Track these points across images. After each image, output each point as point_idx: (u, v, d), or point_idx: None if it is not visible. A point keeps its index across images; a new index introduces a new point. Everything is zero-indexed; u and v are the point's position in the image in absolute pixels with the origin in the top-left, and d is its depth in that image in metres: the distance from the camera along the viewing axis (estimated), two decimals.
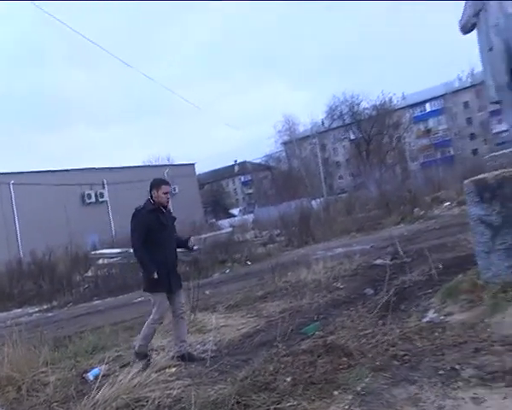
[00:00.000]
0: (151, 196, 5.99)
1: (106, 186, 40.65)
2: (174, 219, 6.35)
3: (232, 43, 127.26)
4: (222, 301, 9.43)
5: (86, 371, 6.06)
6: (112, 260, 18.54)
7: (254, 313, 8.07)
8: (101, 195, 40.32)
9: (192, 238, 6.39)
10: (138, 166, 49.34)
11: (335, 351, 4.81)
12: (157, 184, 6.04)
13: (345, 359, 4.63)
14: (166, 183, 6.21)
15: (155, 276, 5.77)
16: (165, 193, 6.03)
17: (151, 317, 5.96)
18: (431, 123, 78.98)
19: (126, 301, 13.42)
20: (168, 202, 6.14)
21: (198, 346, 6.61)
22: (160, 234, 5.90)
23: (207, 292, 10.64)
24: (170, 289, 5.97)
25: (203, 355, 6.04)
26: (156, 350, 6.50)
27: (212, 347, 6.32)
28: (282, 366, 4.73)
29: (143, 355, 5.97)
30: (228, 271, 16.31)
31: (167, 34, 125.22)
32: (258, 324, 7.37)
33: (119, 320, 9.60)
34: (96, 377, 5.38)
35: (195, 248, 6.32)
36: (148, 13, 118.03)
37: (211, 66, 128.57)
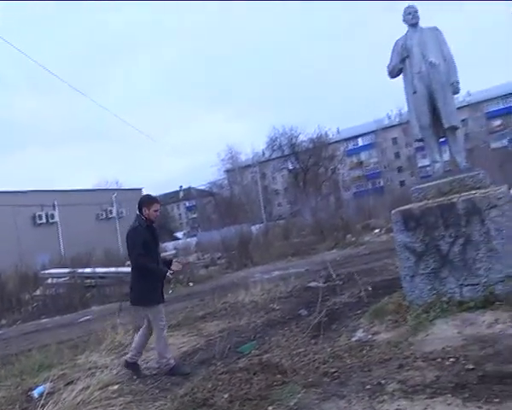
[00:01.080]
0: (141, 214, 6.02)
1: (56, 208, 39.64)
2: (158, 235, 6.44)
3: (180, 73, 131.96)
4: None
5: (31, 389, 5.99)
6: (60, 279, 18.28)
7: (195, 333, 8.12)
8: (52, 216, 39.24)
9: (175, 263, 6.37)
10: (88, 190, 48.67)
11: (270, 369, 5.00)
12: (148, 202, 6.11)
13: (279, 376, 4.82)
14: (157, 200, 6.28)
15: (170, 273, 5.91)
16: (156, 210, 6.10)
17: (155, 329, 5.97)
18: (363, 156, 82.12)
19: (73, 320, 13.36)
20: (157, 218, 6.20)
21: (140, 364, 6.63)
22: (153, 249, 6.00)
23: None
24: (162, 300, 6.08)
25: (130, 357, 6.11)
26: (100, 368, 6.48)
27: (154, 365, 6.34)
28: (220, 383, 4.90)
29: (176, 368, 5.94)
30: (171, 292, 16.14)
31: (120, 63, 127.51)
32: (198, 342, 7.45)
33: (65, 339, 9.53)
34: (41, 395, 5.37)
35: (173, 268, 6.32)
36: (102, 44, 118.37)
37: (160, 95, 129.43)
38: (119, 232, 42.63)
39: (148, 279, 5.85)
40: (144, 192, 55.15)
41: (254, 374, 4.95)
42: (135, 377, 5.95)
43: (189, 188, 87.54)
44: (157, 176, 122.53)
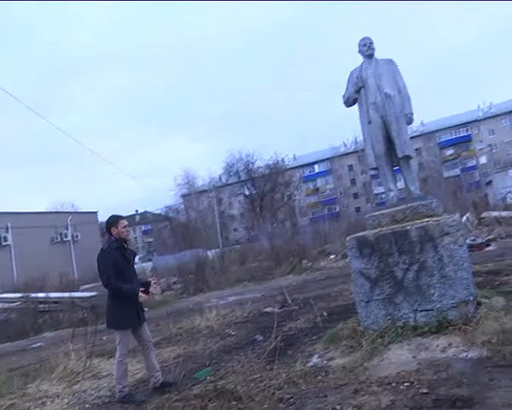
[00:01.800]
0: (111, 234, 5.92)
1: (10, 230, 38.52)
2: (134, 254, 6.33)
3: (137, 96, 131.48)
4: None
5: None
6: (12, 304, 17.89)
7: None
8: (5, 239, 38.15)
9: (153, 284, 6.30)
10: (42, 212, 47.52)
11: (225, 395, 4.94)
12: (115, 220, 6.01)
13: (234, 403, 4.76)
14: (122, 217, 6.18)
15: (140, 292, 5.78)
16: (124, 227, 6.01)
17: (118, 354, 5.83)
18: (319, 182, 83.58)
19: (24, 346, 12.94)
20: (128, 236, 6.11)
21: (92, 392, 6.47)
22: (126, 270, 5.86)
23: (104, 338, 10.37)
24: (138, 322, 5.92)
25: (154, 381, 5.99)
26: (51, 397, 6.28)
27: (107, 392, 6.20)
28: None
29: (129, 396, 5.78)
30: None
31: (77, 86, 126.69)
32: None
33: (15, 366, 9.22)
34: None
35: (151, 290, 6.22)
36: (59, 65, 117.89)
37: (116, 118, 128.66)
38: (74, 256, 41.82)
39: (119, 302, 5.76)
40: (99, 215, 54.88)
41: (209, 401, 4.90)
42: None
43: (145, 212, 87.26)
44: (113, 199, 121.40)
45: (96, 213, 53.72)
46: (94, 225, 50.61)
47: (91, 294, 18.43)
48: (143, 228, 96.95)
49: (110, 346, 9.43)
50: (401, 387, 4.40)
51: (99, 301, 16.83)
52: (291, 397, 4.71)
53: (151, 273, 21.44)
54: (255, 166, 68.83)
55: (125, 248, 6.02)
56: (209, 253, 32.42)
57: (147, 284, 6.21)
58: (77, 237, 43.68)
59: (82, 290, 20.97)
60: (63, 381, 6.80)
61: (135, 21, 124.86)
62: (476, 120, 75.07)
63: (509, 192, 37.63)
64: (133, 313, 5.86)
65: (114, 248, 5.85)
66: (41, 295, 18.34)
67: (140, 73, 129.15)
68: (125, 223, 6.09)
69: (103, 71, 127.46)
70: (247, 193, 71.90)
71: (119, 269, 5.76)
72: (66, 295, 18.14)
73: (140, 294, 5.83)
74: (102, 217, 62.08)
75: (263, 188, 67.56)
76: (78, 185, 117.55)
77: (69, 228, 44.13)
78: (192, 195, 70.94)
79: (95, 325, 8.92)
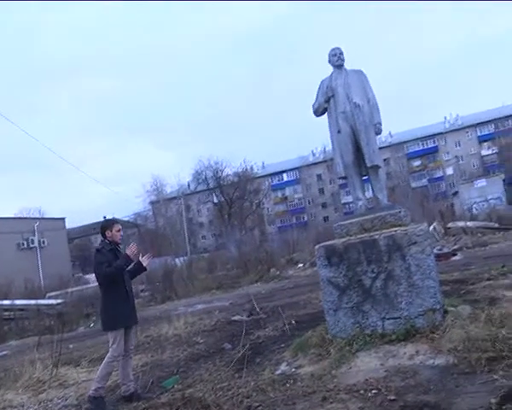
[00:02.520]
0: (105, 238, 5.98)
1: None
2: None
3: (106, 104, 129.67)
4: (85, 354, 9.13)
5: None
6: None
7: (117, 367, 7.80)
8: None
9: (142, 259, 6.26)
10: (9, 218, 46.73)
11: (193, 404, 4.90)
12: (109, 224, 6.10)
13: None
14: (117, 221, 6.26)
15: (133, 257, 5.80)
16: (118, 230, 6.05)
17: (109, 354, 5.82)
18: (288, 191, 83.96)
19: None
20: (121, 238, 6.13)
21: (59, 401, 6.34)
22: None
23: (71, 346, 10.26)
24: (132, 322, 6.01)
25: (148, 395, 5.91)
26: (15, 407, 6.15)
27: (74, 401, 6.10)
28: None
29: (100, 399, 5.73)
30: (92, 325, 15.76)
31: (45, 91, 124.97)
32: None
33: None
34: None
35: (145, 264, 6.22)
36: (28, 70, 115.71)
37: (86, 125, 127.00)
38: (41, 263, 41.08)
39: (114, 300, 5.82)
40: (67, 222, 54.32)
41: (177, 409, 4.85)
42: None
43: (113, 219, 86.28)
44: (81, 205, 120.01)
45: (63, 219, 53.27)
46: (61, 231, 50.10)
47: (58, 301, 18.15)
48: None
49: (77, 354, 9.32)
50: (369, 394, 4.43)
51: (65, 309, 16.66)
52: (259, 405, 4.69)
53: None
54: (224, 173, 68.92)
55: (119, 250, 6.08)
56: (177, 260, 32.25)
57: (138, 265, 6.25)
58: (44, 243, 43.08)
59: (48, 298, 20.56)
60: (29, 390, 6.66)
61: (104, 27, 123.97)
62: (443, 132, 76.61)
63: (474, 203, 38.45)
64: (128, 310, 5.93)
65: (108, 250, 5.92)
66: (6, 302, 17.97)
67: (109, 79, 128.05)
68: (119, 227, 6.15)
69: (72, 77, 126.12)
70: (215, 200, 71.86)
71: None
72: (33, 302, 17.87)
73: (131, 247, 5.88)
74: (70, 223, 61.64)
75: (231, 195, 67.64)
76: (45, 191, 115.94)
77: (36, 234, 43.48)
78: (160, 202, 70.43)
79: (61, 332, 8.79)
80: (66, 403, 6.22)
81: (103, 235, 6.03)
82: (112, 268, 5.75)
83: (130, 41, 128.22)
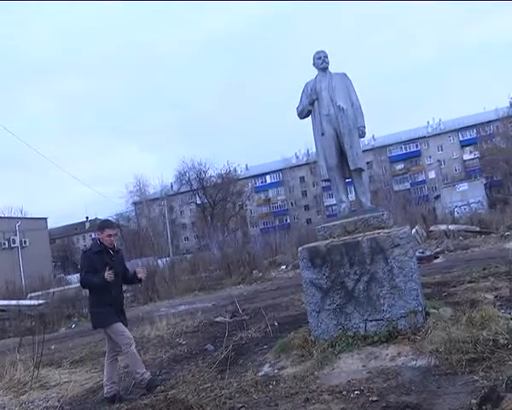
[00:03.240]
0: (98, 238, 5.99)
1: None
2: (122, 259, 6.38)
3: (89, 104, 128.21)
4: (67, 356, 9.09)
5: None
6: None
7: (99, 369, 7.82)
8: None
9: (137, 269, 6.39)
10: None
11: (176, 405, 4.88)
12: (101, 227, 6.11)
13: None
14: (110, 226, 6.24)
15: (108, 276, 5.70)
16: (109, 235, 6.02)
17: (122, 348, 5.87)
18: (271, 193, 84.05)
19: None
20: (112, 243, 6.09)
21: (41, 402, 6.29)
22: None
23: (52, 347, 10.20)
24: (122, 320, 6.02)
25: (131, 396, 5.91)
26: None
27: (55, 403, 6.05)
28: None
29: (152, 381, 5.92)
30: (74, 325, 15.71)
31: (28, 89, 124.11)
32: (103, 379, 7.11)
33: None
34: None
35: (139, 276, 6.32)
36: (9, 67, 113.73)
37: (69, 125, 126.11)
38: (22, 263, 40.65)
39: (99, 300, 5.85)
40: (49, 222, 54.00)
41: None
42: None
43: (96, 219, 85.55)
44: (64, 206, 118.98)
45: (45, 219, 52.94)
46: (43, 231, 49.73)
47: (39, 302, 17.97)
48: (93, 236, 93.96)
49: (58, 355, 9.24)
50: (351, 395, 4.47)
51: (47, 310, 16.48)
52: (242, 406, 4.70)
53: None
54: (207, 175, 69.01)
55: (108, 252, 6.03)
56: (159, 261, 32.09)
57: (135, 274, 6.33)
58: (25, 243, 42.67)
59: (30, 298, 20.34)
60: (10, 391, 6.62)
61: (87, 28, 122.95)
62: (426, 136, 77.32)
63: (456, 206, 38.87)
64: (113, 312, 5.92)
65: (94, 252, 5.95)
66: None
67: (92, 80, 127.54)
68: (111, 232, 6.11)
69: (55, 76, 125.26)
70: (198, 202, 71.76)
71: (95, 271, 5.81)
72: (13, 302, 17.70)
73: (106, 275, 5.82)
74: (52, 223, 61.15)
75: (214, 197, 67.63)
76: (27, 191, 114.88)
77: (17, 234, 43.02)
78: (143, 202, 70.08)
79: (43, 333, 8.70)
80: (47, 405, 6.18)
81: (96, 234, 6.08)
82: (91, 280, 5.82)
83: (115, 43, 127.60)
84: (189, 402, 4.93)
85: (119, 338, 5.84)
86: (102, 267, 5.82)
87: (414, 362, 5.04)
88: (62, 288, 24.18)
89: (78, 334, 12.75)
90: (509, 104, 60.57)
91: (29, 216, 54.65)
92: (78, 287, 22.96)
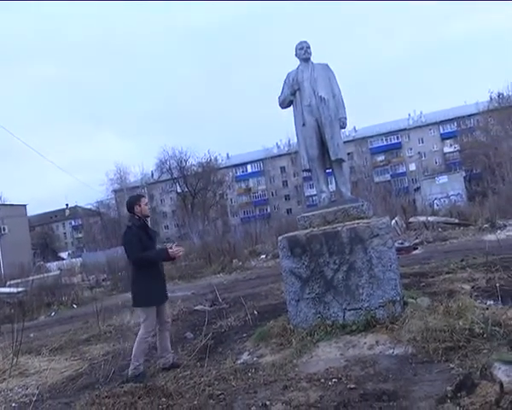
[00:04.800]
0: (134, 214, 5.98)
1: None
2: (156, 233, 6.44)
3: (68, 91, 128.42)
4: (46, 343, 9.00)
5: None
6: None
7: (78, 356, 7.83)
8: None
9: (173, 246, 6.18)
10: None
11: (155, 392, 4.89)
12: (137, 199, 6.12)
13: (164, 399, 4.73)
14: (142, 195, 6.35)
15: (177, 251, 5.89)
16: (146, 204, 6.14)
17: (142, 331, 5.87)
18: (251, 183, 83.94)
19: None
20: (149, 211, 6.18)
21: (20, 390, 6.26)
22: (150, 247, 5.93)
23: (32, 335, 10.12)
24: (164, 300, 6.08)
25: (164, 362, 6.07)
26: None
27: (35, 390, 6.02)
28: (104, 408, 4.71)
29: (142, 375, 5.80)
30: (53, 313, 15.57)
31: (5, 74, 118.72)
32: (82, 366, 7.19)
33: None
34: None
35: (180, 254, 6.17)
36: None
37: (48, 112, 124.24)
38: (1, 250, 40.19)
39: (147, 279, 5.85)
40: (28, 209, 53.42)
41: (139, 398, 4.81)
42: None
43: (76, 206, 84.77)
44: (43, 193, 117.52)
45: (25, 206, 52.38)
46: (22, 218, 49.21)
47: (18, 290, 17.78)
48: (73, 223, 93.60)
49: (38, 343, 9.18)
50: (329, 383, 4.52)
51: (26, 297, 16.34)
52: (221, 393, 4.73)
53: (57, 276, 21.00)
54: (188, 163, 68.78)
55: (148, 226, 6.13)
56: None
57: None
58: (4, 230, 42.23)
59: (9, 286, 20.11)
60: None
61: (64, 14, 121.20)
62: (407, 129, 77.81)
63: (436, 198, 39.31)
64: (161, 288, 6.04)
65: (138, 226, 5.95)
66: None
67: (71, 67, 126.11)
68: (146, 200, 6.26)
69: (31, 61, 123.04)
70: (179, 190, 71.56)
71: (143, 246, 5.84)
72: None
73: (171, 247, 5.97)
74: (32, 211, 60.53)
75: (195, 186, 67.50)
76: (6, 177, 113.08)
77: None
78: (124, 190, 69.66)
79: (22, 321, 8.64)
80: (26, 392, 6.15)
81: (131, 211, 6.04)
82: (147, 256, 5.84)
83: (93, 29, 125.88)
84: (168, 390, 4.94)
85: (146, 322, 5.87)
86: (148, 241, 5.93)
87: (391, 351, 5.12)
88: (42, 275, 24.01)
89: (58, 322, 12.66)
90: (489, 98, 61.44)
91: (8, 203, 54.10)
92: (58, 275, 22.85)
